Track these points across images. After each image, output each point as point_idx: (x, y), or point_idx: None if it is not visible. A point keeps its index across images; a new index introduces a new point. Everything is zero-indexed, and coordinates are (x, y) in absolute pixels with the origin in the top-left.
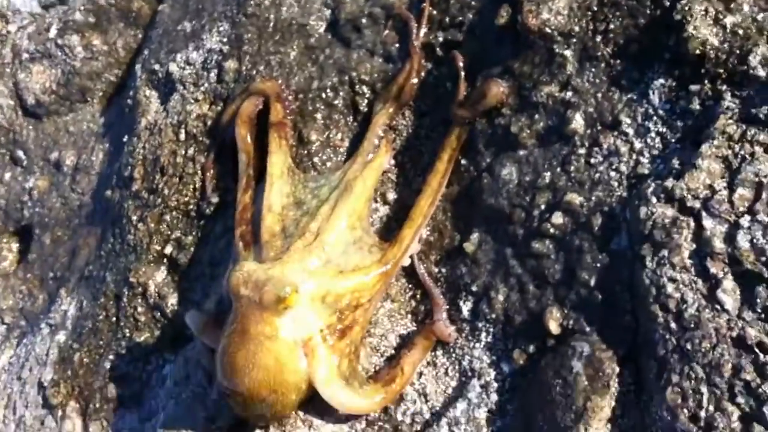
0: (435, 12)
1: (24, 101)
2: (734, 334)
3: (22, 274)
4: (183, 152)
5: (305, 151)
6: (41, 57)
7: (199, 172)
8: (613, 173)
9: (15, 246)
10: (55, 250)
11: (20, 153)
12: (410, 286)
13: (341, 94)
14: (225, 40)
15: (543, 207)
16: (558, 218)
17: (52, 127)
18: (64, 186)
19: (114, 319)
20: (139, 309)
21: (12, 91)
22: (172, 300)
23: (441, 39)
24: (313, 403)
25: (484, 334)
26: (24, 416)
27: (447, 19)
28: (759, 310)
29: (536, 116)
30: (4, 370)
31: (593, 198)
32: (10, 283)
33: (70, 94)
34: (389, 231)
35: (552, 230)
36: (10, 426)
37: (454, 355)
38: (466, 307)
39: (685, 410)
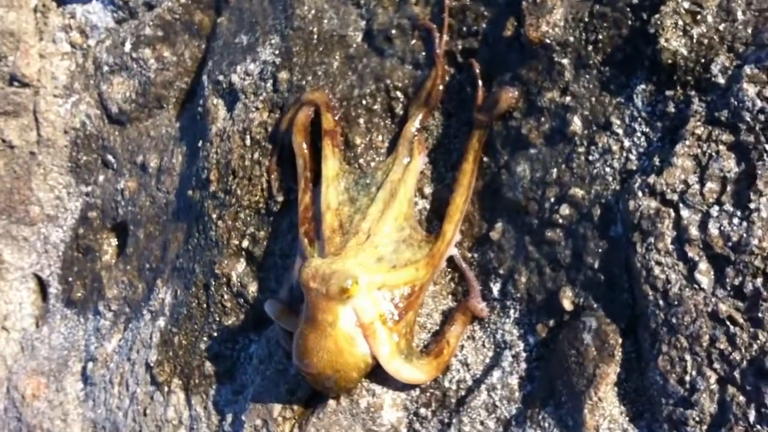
0: (454, 22)
1: (109, 110)
2: (710, 309)
3: (122, 266)
4: (250, 156)
5: (352, 154)
6: (119, 69)
7: (265, 174)
8: (608, 169)
9: (113, 241)
10: (148, 244)
11: (110, 157)
12: (449, 269)
13: (379, 99)
14: (277, 52)
15: (552, 200)
16: (565, 210)
17: (135, 132)
18: (151, 186)
19: (205, 305)
20: (225, 296)
21: (97, 102)
22: (252, 288)
23: (460, 47)
24: (375, 375)
25: (512, 311)
26: (136, 392)
27: (464, 29)
28: (728, 288)
29: (542, 119)
30: (115, 352)
31: (593, 191)
32: (112, 274)
33: (148, 102)
34: (429, 221)
35: (561, 220)
36: (125, 401)
37: (488, 329)
38: (495, 288)
39: (674, 375)
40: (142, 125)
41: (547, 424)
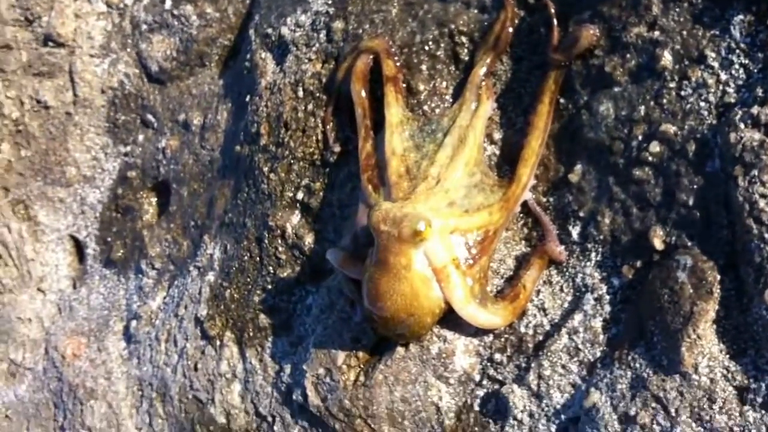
0: None
1: (148, 69)
2: None
3: (165, 225)
4: (303, 108)
5: (415, 101)
6: (159, 27)
7: (320, 125)
8: (702, 103)
9: (154, 200)
10: (192, 202)
11: (150, 116)
12: (522, 214)
13: (442, 45)
14: (330, 2)
15: (640, 138)
16: (655, 147)
17: (176, 91)
18: (194, 144)
19: (258, 258)
20: (280, 249)
21: (136, 61)
22: (309, 239)
23: None
24: (446, 321)
25: (593, 254)
26: (185, 347)
27: None
28: None
29: (627, 55)
30: (160, 309)
31: (686, 127)
32: (155, 233)
33: (189, 60)
34: (499, 167)
35: (650, 158)
36: (173, 357)
37: (567, 273)
38: (575, 231)
39: None
40: (183, 84)
41: (638, 365)
